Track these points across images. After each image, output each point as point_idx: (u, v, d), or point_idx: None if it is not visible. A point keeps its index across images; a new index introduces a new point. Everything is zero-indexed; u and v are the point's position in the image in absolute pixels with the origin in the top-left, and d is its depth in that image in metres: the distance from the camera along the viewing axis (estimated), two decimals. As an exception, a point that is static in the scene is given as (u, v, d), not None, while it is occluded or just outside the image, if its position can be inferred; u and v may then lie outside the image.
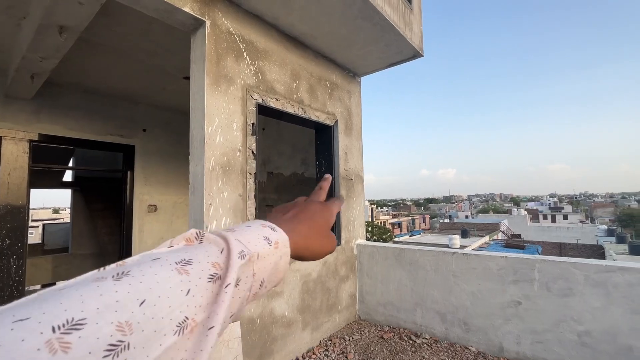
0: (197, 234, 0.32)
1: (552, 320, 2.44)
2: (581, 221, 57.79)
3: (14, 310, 0.19)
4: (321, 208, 0.46)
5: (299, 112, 3.01)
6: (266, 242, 0.35)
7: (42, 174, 5.60)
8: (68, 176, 6.37)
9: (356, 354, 2.79)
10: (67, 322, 0.18)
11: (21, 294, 3.63)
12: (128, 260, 0.26)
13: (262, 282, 0.34)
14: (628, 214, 66.71)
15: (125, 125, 4.72)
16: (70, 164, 6.03)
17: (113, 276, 0.23)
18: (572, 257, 2.54)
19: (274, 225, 0.38)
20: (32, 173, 3.85)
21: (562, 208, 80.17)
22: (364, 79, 4.06)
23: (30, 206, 3.87)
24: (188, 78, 2.41)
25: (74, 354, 0.18)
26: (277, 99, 2.78)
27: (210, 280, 0.27)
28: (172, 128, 5.27)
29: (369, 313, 3.49)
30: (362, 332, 3.20)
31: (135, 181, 4.82)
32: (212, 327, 0.26)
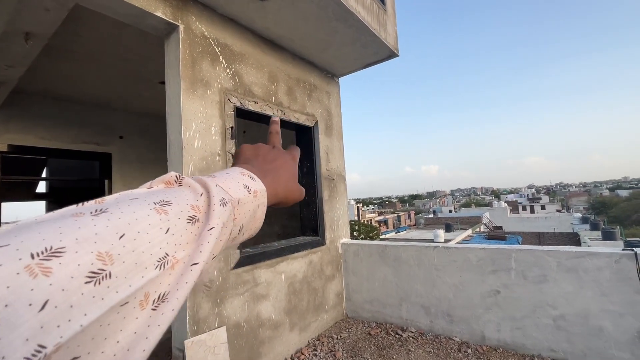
0: (176, 177, 0.32)
1: (529, 306, 2.54)
2: (558, 210, 60.12)
3: None
4: (290, 159, 0.49)
5: (279, 114, 3.01)
6: (246, 190, 0.36)
7: (14, 185, 5.37)
8: (42, 187, 6.12)
9: (344, 351, 2.82)
10: (46, 250, 0.19)
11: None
12: (107, 198, 0.26)
13: (241, 228, 0.36)
14: (600, 202, 69.89)
15: (100, 132, 4.60)
16: (43, 175, 5.81)
17: (91, 212, 0.23)
18: (547, 245, 2.66)
19: (252, 175, 0.39)
20: (3, 185, 3.70)
21: (540, 199, 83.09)
22: (343, 80, 4.10)
23: (2, 220, 3.70)
24: (164, 83, 2.37)
25: (55, 278, 0.18)
26: (255, 102, 2.78)
27: (189, 222, 0.28)
28: (150, 134, 5.15)
29: (356, 311, 3.53)
30: (350, 330, 3.24)
31: (114, 190, 4.69)
32: (196, 264, 0.27)
